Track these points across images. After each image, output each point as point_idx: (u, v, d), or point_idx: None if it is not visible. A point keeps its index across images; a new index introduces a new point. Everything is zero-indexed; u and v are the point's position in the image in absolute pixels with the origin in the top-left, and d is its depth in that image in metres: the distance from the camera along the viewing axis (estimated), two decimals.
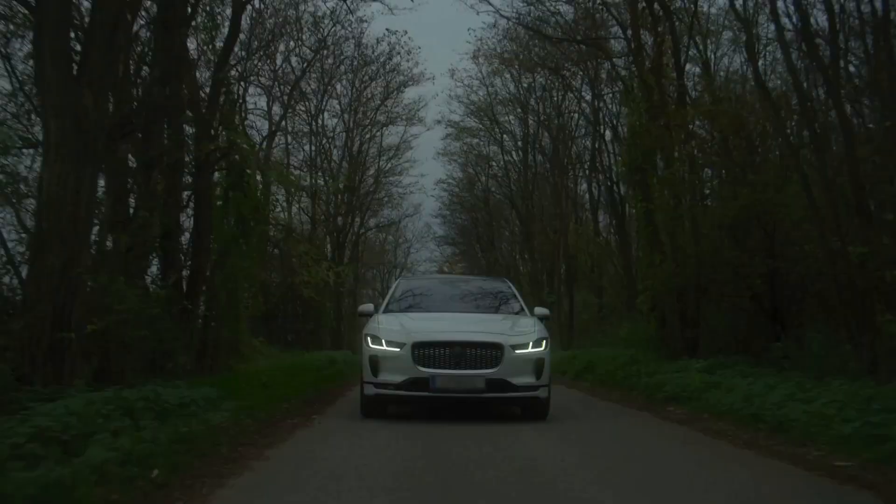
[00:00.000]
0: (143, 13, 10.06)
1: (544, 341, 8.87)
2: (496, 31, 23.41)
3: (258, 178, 15.54)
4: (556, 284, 26.70)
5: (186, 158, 11.51)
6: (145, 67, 10.18)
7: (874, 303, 8.60)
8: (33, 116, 8.88)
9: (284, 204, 26.70)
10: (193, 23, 10.96)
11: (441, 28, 39.88)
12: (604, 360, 15.01)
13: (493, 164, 35.89)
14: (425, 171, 57.30)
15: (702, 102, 12.65)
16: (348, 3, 16.64)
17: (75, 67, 7.77)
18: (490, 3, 18.51)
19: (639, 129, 15.21)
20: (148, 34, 9.76)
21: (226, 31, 13.17)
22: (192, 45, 12.96)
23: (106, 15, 7.61)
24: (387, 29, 13.50)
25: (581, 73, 22.03)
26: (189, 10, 10.47)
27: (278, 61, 25.30)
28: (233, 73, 16.01)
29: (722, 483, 5.15)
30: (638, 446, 6.90)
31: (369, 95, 32.35)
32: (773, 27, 11.25)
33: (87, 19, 8.27)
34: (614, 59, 17.21)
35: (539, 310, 9.91)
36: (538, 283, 29.88)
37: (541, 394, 8.68)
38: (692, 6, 14.83)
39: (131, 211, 9.58)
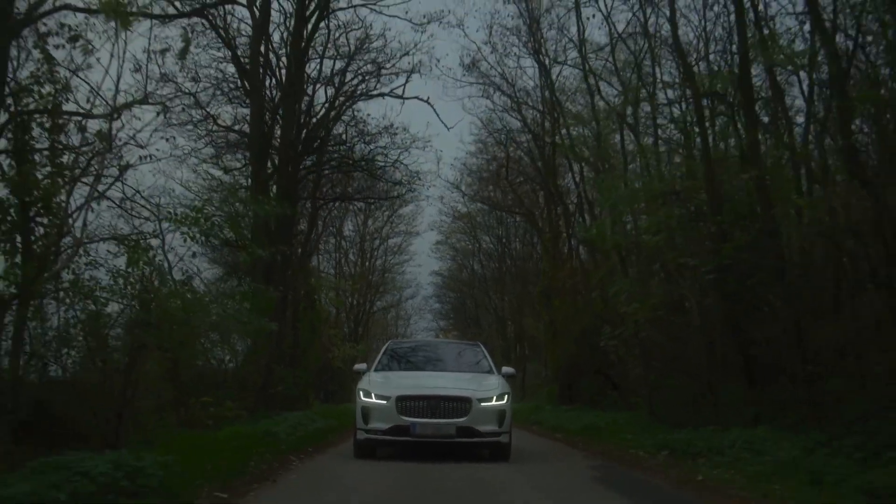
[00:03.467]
0: None
1: (506, 396, 10.39)
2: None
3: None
4: (516, 359, 36.74)
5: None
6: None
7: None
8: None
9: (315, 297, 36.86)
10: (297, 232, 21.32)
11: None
12: (526, 409, 24.83)
13: (475, 261, 45.94)
14: (422, 261, 66.48)
15: (570, 265, 22.90)
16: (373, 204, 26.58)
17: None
18: (458, 188, 28.95)
19: (546, 271, 25.58)
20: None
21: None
22: None
23: (280, 268, 17.92)
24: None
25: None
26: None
27: None
28: None
29: (536, 442, 15.10)
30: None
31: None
32: None
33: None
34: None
35: (506, 369, 11.79)
36: (508, 356, 39.82)
37: (503, 439, 10.17)
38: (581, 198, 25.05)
39: None
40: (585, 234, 15.68)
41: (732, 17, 12.63)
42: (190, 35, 16.20)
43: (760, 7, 12.36)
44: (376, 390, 10.34)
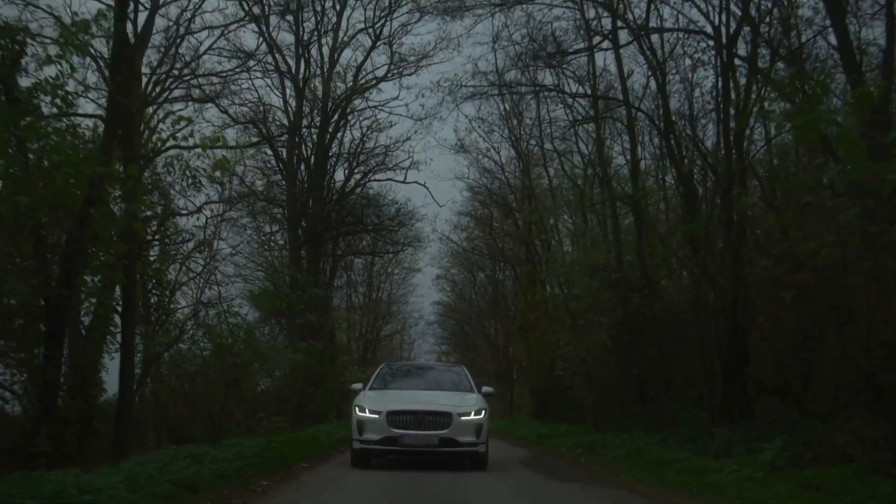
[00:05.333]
0: None
1: (483, 411, 11.58)
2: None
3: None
4: (506, 381, 42.08)
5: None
6: None
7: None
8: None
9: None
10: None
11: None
12: (508, 424, 30.15)
13: (472, 292, 51.40)
14: (424, 292, 71.76)
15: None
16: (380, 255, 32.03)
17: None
18: (452, 240, 34.42)
19: (524, 310, 30.98)
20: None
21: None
22: None
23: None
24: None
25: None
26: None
27: None
28: None
29: (503, 446, 20.44)
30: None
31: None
32: None
33: None
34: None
35: (485, 389, 13.04)
36: (500, 379, 45.27)
37: (480, 449, 11.37)
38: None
39: None
40: (537, 297, 21.23)
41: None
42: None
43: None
44: (370, 405, 11.63)
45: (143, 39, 13.02)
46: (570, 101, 19.81)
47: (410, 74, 25.95)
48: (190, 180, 15.47)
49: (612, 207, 18.36)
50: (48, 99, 9.85)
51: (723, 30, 13.46)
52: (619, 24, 16.03)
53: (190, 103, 18.76)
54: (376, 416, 11.32)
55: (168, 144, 16.35)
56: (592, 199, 21.56)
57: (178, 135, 15.07)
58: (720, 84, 13.63)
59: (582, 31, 17.04)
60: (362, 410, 11.58)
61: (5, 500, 4.74)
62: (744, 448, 11.33)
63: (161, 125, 14.85)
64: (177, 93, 17.31)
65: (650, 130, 18.12)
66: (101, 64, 10.21)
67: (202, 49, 17.49)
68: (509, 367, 43.54)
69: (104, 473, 6.56)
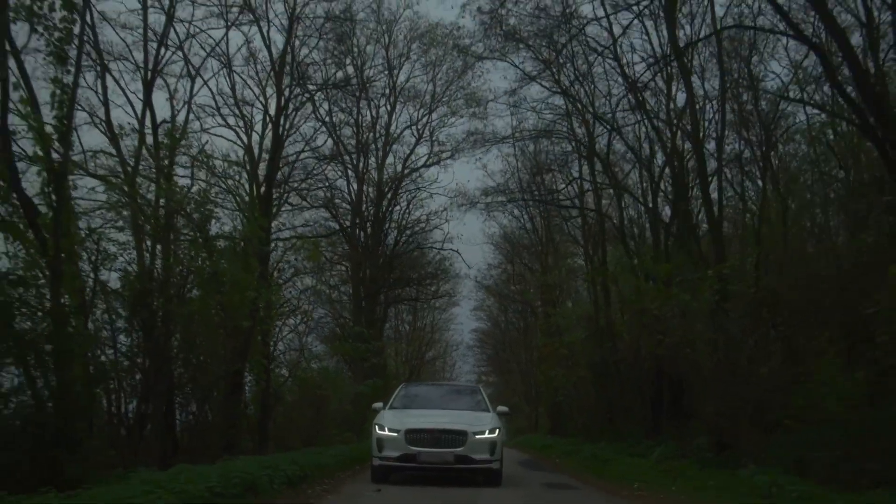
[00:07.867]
0: None
1: (497, 430, 12.22)
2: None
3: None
4: (534, 402, 48.67)
5: None
6: None
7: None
8: None
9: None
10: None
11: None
12: (527, 439, 36.64)
13: (505, 322, 58.03)
14: (463, 320, 78.29)
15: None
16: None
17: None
18: (484, 284, 41.40)
19: (541, 346, 37.68)
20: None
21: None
22: None
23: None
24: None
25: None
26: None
27: None
28: None
29: (516, 454, 27.04)
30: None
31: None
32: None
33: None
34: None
35: (500, 408, 13.62)
36: (528, 399, 51.87)
37: (494, 466, 11.96)
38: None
39: None
40: (542, 341, 28.28)
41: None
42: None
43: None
44: (389, 424, 12.14)
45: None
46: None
47: (447, 158, 32.89)
48: (288, 266, 22.43)
49: (593, 279, 25.11)
50: (226, 242, 16.93)
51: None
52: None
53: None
54: (395, 434, 11.89)
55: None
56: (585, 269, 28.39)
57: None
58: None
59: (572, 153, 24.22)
60: (382, 429, 12.17)
61: (278, 462, 11.52)
62: (652, 452, 17.91)
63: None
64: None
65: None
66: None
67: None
68: (537, 389, 50.14)
69: (302, 453, 13.45)
